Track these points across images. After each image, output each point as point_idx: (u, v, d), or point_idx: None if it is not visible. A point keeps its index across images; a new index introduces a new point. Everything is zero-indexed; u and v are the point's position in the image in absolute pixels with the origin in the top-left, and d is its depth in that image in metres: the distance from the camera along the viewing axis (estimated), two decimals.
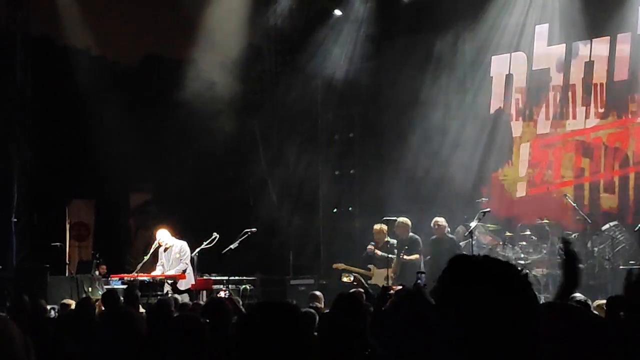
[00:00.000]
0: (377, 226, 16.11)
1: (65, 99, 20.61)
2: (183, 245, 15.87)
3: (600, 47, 17.35)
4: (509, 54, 18.51)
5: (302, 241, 20.51)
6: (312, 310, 8.47)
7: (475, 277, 2.26)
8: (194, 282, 15.66)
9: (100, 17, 20.46)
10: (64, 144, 20.78)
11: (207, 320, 5.81)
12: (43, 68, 20.28)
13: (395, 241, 15.80)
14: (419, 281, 9.46)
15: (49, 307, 12.58)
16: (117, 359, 4.99)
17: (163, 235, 15.88)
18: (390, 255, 15.64)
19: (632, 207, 16.83)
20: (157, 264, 15.89)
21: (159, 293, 15.00)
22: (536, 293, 2.34)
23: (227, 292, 16.20)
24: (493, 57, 18.79)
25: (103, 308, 10.46)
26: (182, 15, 20.30)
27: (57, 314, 12.33)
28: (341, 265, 16.40)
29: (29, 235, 19.57)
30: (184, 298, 14.27)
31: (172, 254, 15.78)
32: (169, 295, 14.27)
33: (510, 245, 16.53)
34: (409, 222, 15.89)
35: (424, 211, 18.60)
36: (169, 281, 15.48)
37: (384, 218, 16.52)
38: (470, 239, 15.79)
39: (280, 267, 19.79)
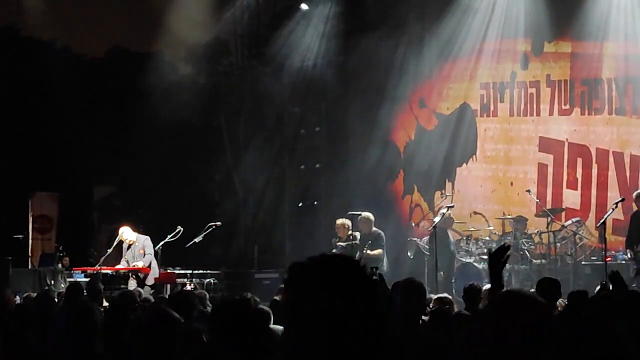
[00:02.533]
0: (339, 221, 16.13)
1: (29, 91, 20.44)
2: (146, 240, 15.80)
3: (564, 44, 17.50)
4: (474, 50, 18.59)
5: (267, 235, 20.50)
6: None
7: (311, 283, 2.26)
8: (157, 276, 15.61)
9: (65, 8, 20.30)
10: (28, 136, 20.60)
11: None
12: (7, 59, 20.08)
13: (358, 234, 15.82)
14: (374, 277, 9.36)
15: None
16: (74, 350, 4.96)
17: (125, 232, 15.76)
18: (353, 242, 15.64)
19: (594, 203, 16.99)
20: (122, 260, 15.79)
21: (122, 286, 14.92)
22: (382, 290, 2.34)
23: (193, 285, 16.17)
24: (459, 53, 18.86)
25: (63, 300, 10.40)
26: (148, 8, 20.20)
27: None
28: None
29: None
30: (147, 292, 14.21)
31: (136, 250, 15.70)
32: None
33: (474, 240, 16.63)
34: (372, 217, 15.92)
35: (388, 206, 18.73)
36: (134, 276, 15.38)
37: (349, 213, 16.56)
38: (434, 234, 15.87)
39: (244, 260, 19.77)
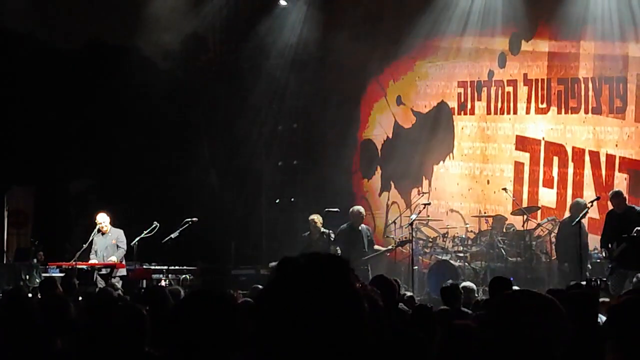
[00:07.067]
0: (315, 217, 16.22)
1: (5, 84, 20.27)
2: (120, 233, 15.75)
3: (541, 43, 17.58)
4: (452, 48, 18.64)
5: (244, 231, 20.47)
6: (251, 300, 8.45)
7: (298, 280, 2.25)
8: (124, 273, 15.58)
9: (43, 1, 20.13)
10: (3, 130, 20.45)
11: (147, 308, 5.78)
12: None
13: (331, 231, 15.90)
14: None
15: None
16: (48, 345, 4.94)
17: (103, 218, 15.70)
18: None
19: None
20: (91, 251, 15.67)
21: (95, 281, 14.89)
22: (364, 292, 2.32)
23: (167, 281, 16.13)
24: (437, 51, 18.91)
25: (39, 296, 10.34)
26: (126, 1, 20.08)
27: None
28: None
29: None
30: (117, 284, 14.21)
31: (108, 240, 15.63)
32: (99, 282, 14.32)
33: (450, 238, 16.70)
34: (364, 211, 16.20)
35: (365, 203, 18.76)
36: (101, 271, 15.28)
37: (326, 210, 16.62)
38: (411, 232, 15.94)
39: (221, 257, 19.71)
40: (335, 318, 2.21)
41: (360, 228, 15.94)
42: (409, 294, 11.31)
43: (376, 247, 16.39)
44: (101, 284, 14.53)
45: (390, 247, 16.63)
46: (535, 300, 3.04)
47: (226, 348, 3.32)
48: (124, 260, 15.68)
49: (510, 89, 17.98)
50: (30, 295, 11.27)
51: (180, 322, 3.41)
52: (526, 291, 3.29)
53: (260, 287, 11.60)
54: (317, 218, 16.05)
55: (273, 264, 16.58)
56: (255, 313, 2.29)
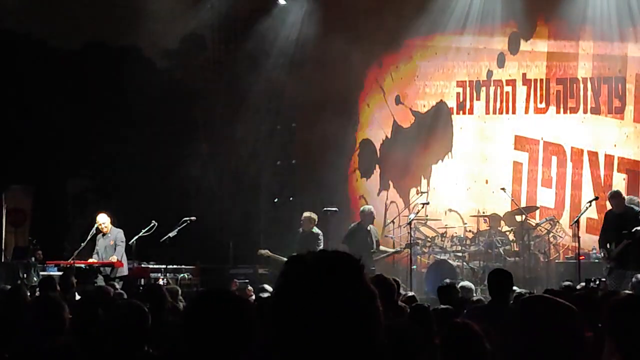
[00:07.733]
0: (307, 214, 16.25)
1: (3, 84, 20.27)
2: (119, 232, 15.75)
3: (540, 43, 17.59)
4: (451, 48, 18.64)
5: (242, 230, 20.44)
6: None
7: (308, 278, 2.22)
8: (126, 273, 15.56)
9: (41, 0, 20.12)
10: (2, 129, 20.44)
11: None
12: None
13: (320, 234, 15.90)
14: None
15: None
16: (42, 344, 4.94)
17: (104, 219, 15.70)
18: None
19: (568, 201, 17.09)
20: (94, 252, 15.71)
21: (96, 280, 14.87)
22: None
23: (166, 280, 16.12)
24: (436, 51, 18.91)
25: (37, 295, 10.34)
26: (124, 1, 20.06)
27: None
28: (266, 252, 16.58)
29: None
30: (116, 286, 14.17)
31: (107, 241, 15.64)
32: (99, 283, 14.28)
33: (448, 237, 16.72)
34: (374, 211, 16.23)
35: (363, 203, 18.76)
36: (103, 271, 15.28)
37: (324, 209, 16.62)
38: (409, 231, 15.94)
39: (219, 255, 19.70)
40: (348, 316, 2.18)
41: (369, 228, 15.95)
42: (410, 293, 11.30)
43: (382, 247, 16.39)
44: (101, 284, 14.51)
45: (398, 248, 16.64)
46: (555, 307, 3.04)
47: (237, 349, 3.32)
48: (124, 258, 15.64)
49: (509, 88, 17.98)
50: (29, 294, 11.25)
51: (193, 323, 3.41)
52: (544, 296, 3.30)
53: (265, 286, 11.63)
54: (311, 216, 16.06)
55: (262, 251, 16.65)
56: (268, 314, 2.26)
